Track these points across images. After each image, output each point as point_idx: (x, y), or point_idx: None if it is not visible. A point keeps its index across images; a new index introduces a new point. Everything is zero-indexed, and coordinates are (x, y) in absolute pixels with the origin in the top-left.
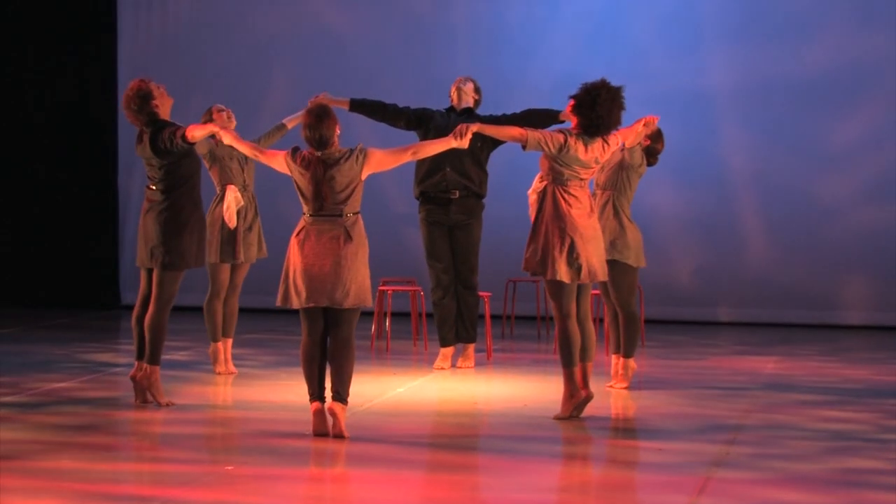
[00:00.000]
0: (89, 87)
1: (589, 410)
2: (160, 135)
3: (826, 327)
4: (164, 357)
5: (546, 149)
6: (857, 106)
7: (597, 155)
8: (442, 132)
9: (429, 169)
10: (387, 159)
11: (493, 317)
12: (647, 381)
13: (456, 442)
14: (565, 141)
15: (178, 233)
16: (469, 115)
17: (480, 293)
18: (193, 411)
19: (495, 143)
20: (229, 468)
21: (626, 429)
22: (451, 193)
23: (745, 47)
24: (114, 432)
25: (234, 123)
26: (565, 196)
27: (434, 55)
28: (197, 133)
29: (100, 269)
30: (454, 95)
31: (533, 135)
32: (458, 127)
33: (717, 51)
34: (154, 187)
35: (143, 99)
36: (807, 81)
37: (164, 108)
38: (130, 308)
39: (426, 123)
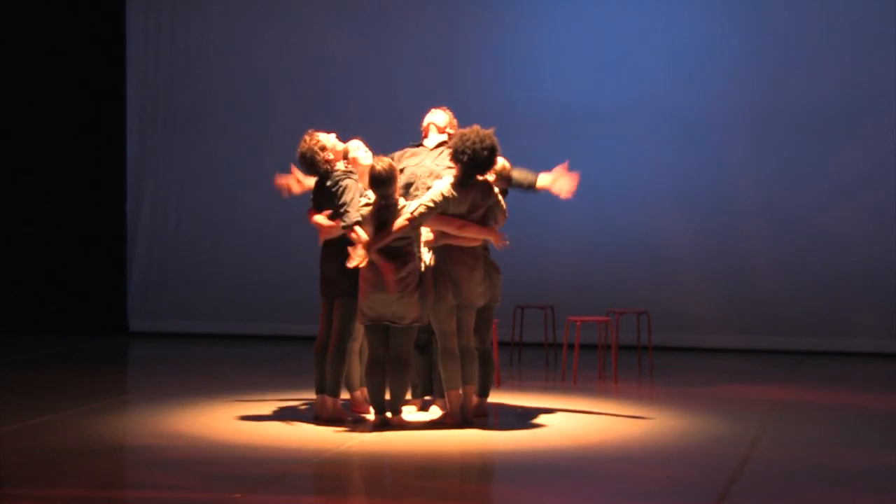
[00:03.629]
0: (98, 113)
1: (596, 438)
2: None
3: (836, 354)
4: (175, 385)
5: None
6: (865, 132)
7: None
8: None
9: None
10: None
11: (501, 343)
12: (655, 408)
13: (462, 470)
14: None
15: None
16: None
17: None
18: (201, 439)
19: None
20: (237, 496)
21: (633, 457)
22: None
23: (752, 75)
24: (120, 460)
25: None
26: None
27: (441, 82)
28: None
29: (107, 295)
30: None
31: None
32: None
33: (724, 78)
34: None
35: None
36: (814, 108)
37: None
38: (138, 335)
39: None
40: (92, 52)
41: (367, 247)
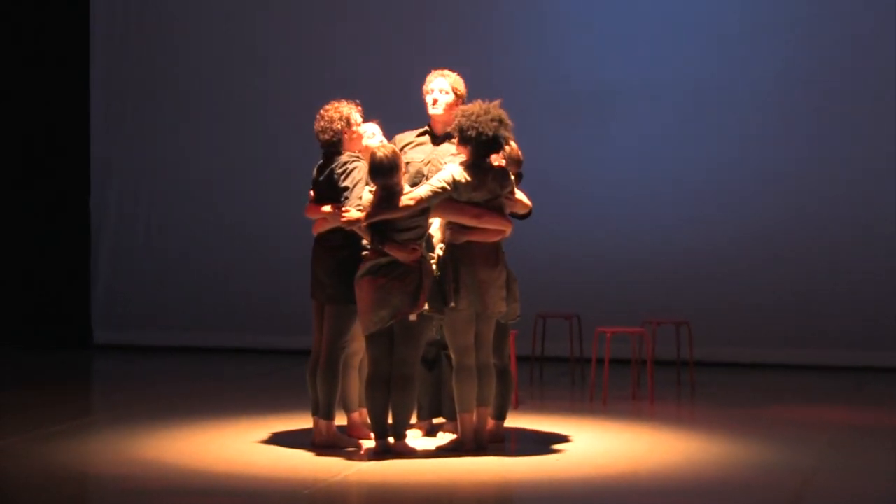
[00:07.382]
0: (60, 112)
1: (628, 467)
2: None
3: None
4: (145, 405)
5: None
6: None
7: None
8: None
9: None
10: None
11: (520, 358)
12: (696, 432)
13: (478, 499)
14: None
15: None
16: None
17: None
18: (175, 467)
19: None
20: None
21: (670, 489)
22: None
23: (805, 53)
24: (84, 491)
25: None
26: None
27: (461, 57)
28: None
29: (69, 304)
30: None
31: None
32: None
33: (774, 58)
34: None
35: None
36: (878, 94)
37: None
38: (103, 348)
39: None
40: (54, 44)
41: (363, 218)
